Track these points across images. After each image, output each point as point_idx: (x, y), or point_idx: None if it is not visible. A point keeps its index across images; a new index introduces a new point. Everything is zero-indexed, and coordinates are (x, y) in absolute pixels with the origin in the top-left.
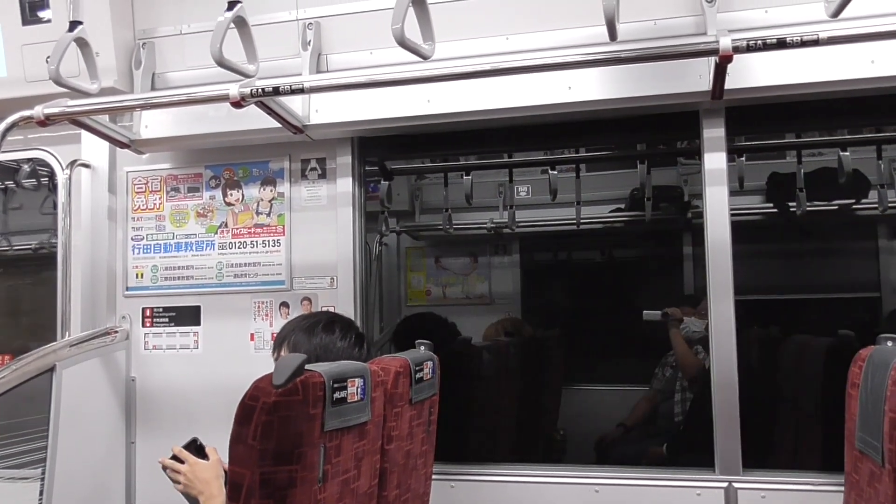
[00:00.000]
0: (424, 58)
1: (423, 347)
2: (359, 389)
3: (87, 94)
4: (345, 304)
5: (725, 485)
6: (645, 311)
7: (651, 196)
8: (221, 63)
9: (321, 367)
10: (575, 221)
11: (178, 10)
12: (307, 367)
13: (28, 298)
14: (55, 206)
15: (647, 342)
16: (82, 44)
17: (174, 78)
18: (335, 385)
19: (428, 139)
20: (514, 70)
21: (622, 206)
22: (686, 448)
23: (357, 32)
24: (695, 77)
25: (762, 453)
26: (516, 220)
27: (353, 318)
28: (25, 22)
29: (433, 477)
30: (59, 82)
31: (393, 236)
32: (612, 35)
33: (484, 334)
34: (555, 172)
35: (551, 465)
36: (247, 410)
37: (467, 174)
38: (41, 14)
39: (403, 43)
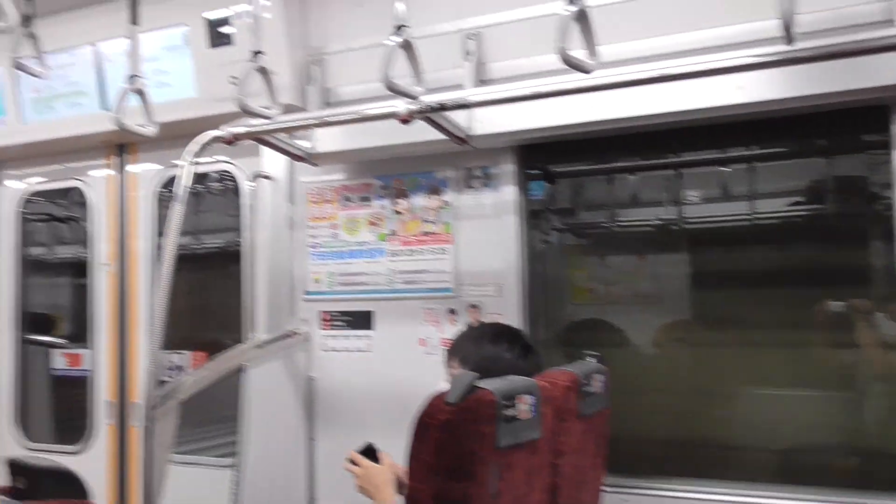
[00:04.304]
0: (587, 73)
1: (591, 359)
2: (529, 406)
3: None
4: (510, 311)
5: None
6: (827, 304)
7: (832, 188)
8: (391, 88)
9: (492, 385)
10: (748, 216)
11: (347, 27)
12: (479, 383)
13: (215, 291)
14: (236, 208)
15: (830, 342)
16: (264, 72)
17: (344, 92)
18: (506, 402)
19: (592, 144)
20: (681, 76)
21: (800, 198)
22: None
23: (518, 40)
24: (884, 69)
25: None
26: (684, 215)
27: (519, 325)
28: (212, 45)
29: (605, 490)
30: (245, 110)
31: (555, 234)
32: (789, 37)
33: (654, 339)
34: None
35: (731, 481)
36: (422, 427)
37: (632, 174)
38: (226, 38)
39: (568, 61)
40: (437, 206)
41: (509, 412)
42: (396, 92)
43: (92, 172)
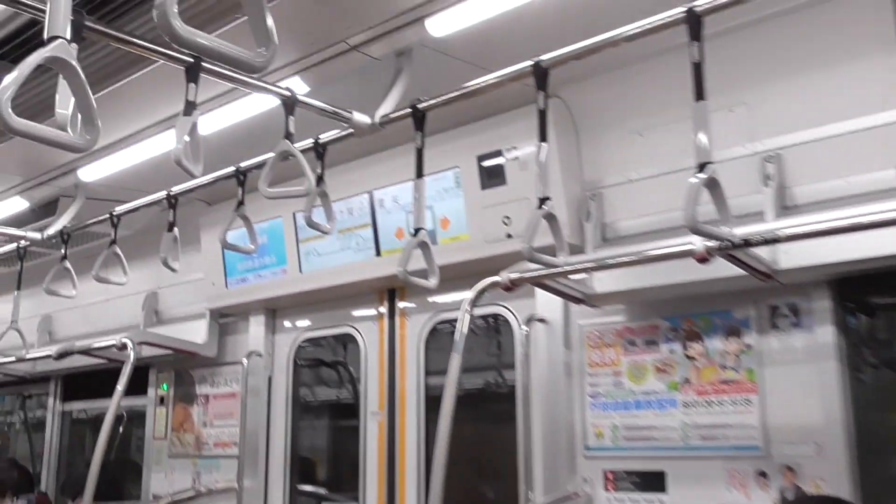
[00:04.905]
0: None
1: None
2: None
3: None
4: (836, 476)
5: None
6: None
7: None
8: (696, 230)
9: None
10: None
11: (625, 159)
12: None
13: (484, 440)
14: (508, 352)
15: None
16: (551, 219)
17: (624, 227)
18: None
19: None
20: None
21: None
22: None
23: (825, 160)
24: None
25: None
26: None
27: (848, 494)
28: (484, 187)
29: None
30: (534, 260)
31: (886, 379)
32: None
33: None
34: None
35: None
36: None
37: None
38: (498, 178)
39: None
40: (736, 349)
41: None
42: (705, 235)
43: (362, 315)
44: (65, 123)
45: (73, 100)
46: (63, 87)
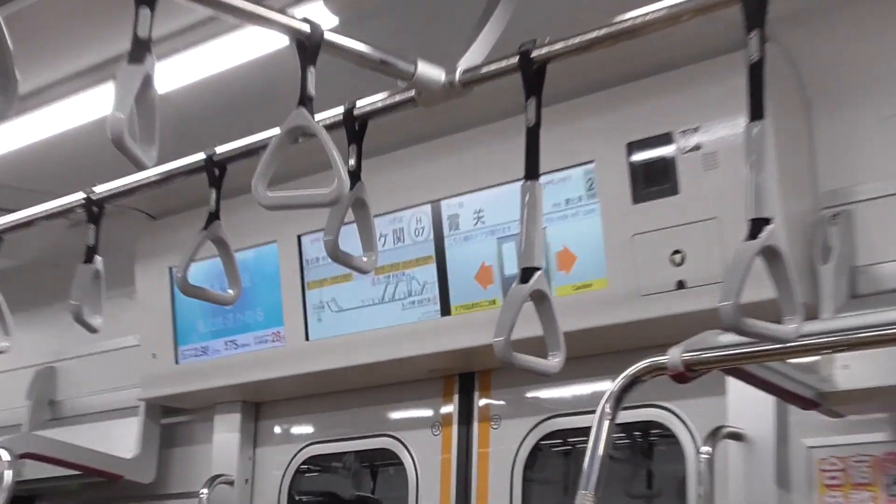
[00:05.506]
0: None
1: None
2: None
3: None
4: None
5: None
6: None
7: None
8: None
9: None
10: None
11: (893, 155)
12: None
13: None
14: (653, 478)
15: None
16: (770, 256)
17: (890, 274)
18: None
19: None
20: None
21: None
22: None
23: None
24: None
25: None
26: None
27: None
28: (638, 198)
29: None
30: (738, 329)
31: None
32: None
33: None
34: None
35: None
36: None
37: None
38: (662, 184)
39: None
40: None
41: None
42: None
43: (413, 419)
44: None
45: None
46: None
